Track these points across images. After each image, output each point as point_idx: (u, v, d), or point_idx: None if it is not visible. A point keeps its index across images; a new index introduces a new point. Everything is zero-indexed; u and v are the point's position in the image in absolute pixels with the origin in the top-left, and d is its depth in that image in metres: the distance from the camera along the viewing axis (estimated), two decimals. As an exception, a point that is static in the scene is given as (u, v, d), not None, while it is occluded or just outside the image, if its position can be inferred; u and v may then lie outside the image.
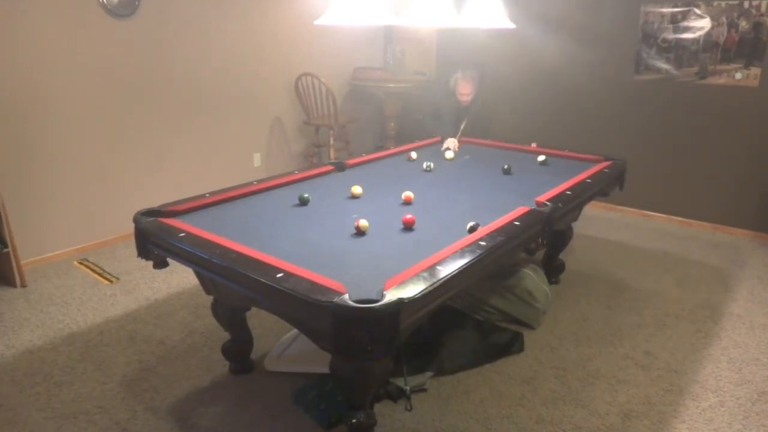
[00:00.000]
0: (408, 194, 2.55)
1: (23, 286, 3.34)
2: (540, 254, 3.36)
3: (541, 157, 3.32)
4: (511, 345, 2.70)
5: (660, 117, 4.43)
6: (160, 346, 2.75)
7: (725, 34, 4.05)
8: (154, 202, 2.39)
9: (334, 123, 4.82)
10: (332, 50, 5.27)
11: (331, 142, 4.91)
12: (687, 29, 4.20)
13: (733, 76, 4.07)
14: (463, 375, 2.52)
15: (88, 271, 3.59)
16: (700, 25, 4.13)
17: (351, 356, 1.66)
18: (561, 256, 3.44)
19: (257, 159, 4.92)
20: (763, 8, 3.89)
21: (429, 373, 2.47)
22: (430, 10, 2.91)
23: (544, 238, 2.42)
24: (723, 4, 4.02)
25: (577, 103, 4.82)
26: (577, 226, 3.35)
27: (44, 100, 3.50)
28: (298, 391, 2.36)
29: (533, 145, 3.79)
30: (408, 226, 2.23)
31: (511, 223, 2.20)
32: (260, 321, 2.85)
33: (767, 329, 2.95)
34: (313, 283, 1.66)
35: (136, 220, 2.21)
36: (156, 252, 2.15)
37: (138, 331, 2.89)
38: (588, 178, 2.92)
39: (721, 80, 4.13)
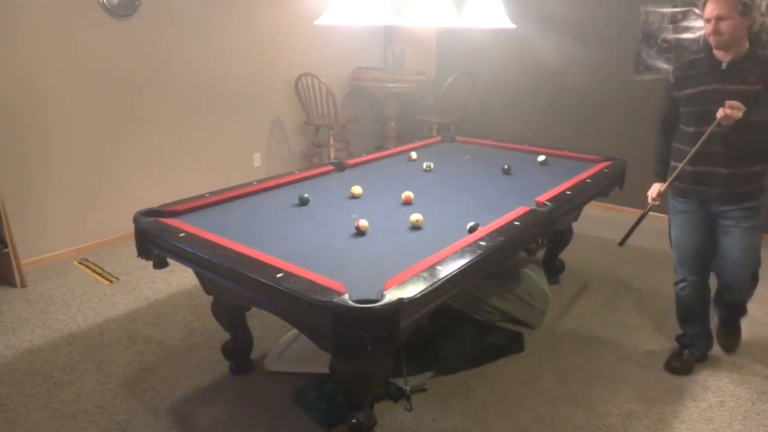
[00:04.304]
0: (408, 194, 2.55)
1: (23, 286, 3.34)
2: (540, 254, 3.36)
3: (541, 157, 3.32)
4: (511, 345, 2.71)
5: (660, 117, 4.43)
6: (160, 346, 2.75)
7: (725, 34, 4.05)
8: (154, 202, 2.39)
9: (334, 123, 4.82)
10: (332, 50, 5.27)
11: (331, 142, 4.91)
12: (687, 29, 4.20)
13: (733, 76, 4.06)
14: (463, 375, 2.52)
15: (88, 271, 3.59)
16: (700, 25, 4.13)
17: (351, 356, 1.66)
18: (561, 256, 3.44)
19: (257, 159, 4.92)
20: (763, 8, 3.88)
21: (429, 373, 2.47)
22: (430, 10, 2.92)
23: (544, 238, 2.42)
24: (723, 4, 4.01)
25: (577, 103, 4.82)
26: (577, 226, 3.35)
27: (44, 100, 3.50)
28: (298, 391, 2.36)
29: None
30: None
31: (511, 223, 2.20)
32: (260, 321, 2.85)
33: (767, 329, 2.95)
34: (313, 283, 1.66)
35: (136, 220, 2.21)
36: (156, 252, 2.15)
37: (138, 331, 2.89)
38: (588, 178, 2.92)
39: (721, 80, 4.13)
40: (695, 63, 2.38)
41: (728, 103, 2.11)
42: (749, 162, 2.28)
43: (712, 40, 2.23)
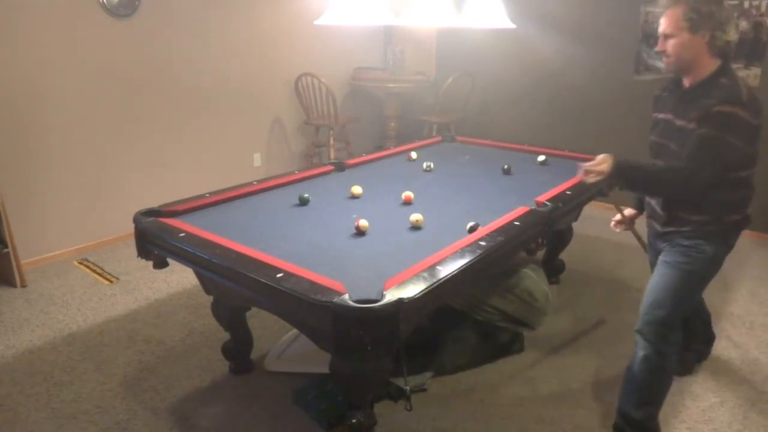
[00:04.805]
0: (408, 194, 2.55)
1: (23, 286, 3.34)
2: (540, 254, 3.36)
3: (541, 157, 3.32)
4: (511, 345, 2.71)
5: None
6: (160, 346, 2.75)
7: (725, 34, 4.05)
8: (154, 202, 2.39)
9: (334, 123, 4.83)
10: (332, 50, 5.27)
11: (331, 142, 4.91)
12: (687, 29, 4.20)
13: (733, 76, 4.06)
14: (463, 375, 2.52)
15: (88, 271, 3.59)
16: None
17: (351, 356, 1.66)
18: (561, 256, 3.44)
19: (257, 159, 4.92)
20: (763, 8, 3.88)
21: (429, 373, 2.47)
22: (430, 10, 2.92)
23: (544, 238, 2.42)
24: (723, 4, 4.02)
25: (577, 103, 4.82)
26: (577, 226, 3.35)
27: (44, 100, 3.50)
28: (298, 391, 2.36)
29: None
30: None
31: (511, 223, 2.20)
32: (260, 321, 2.85)
33: (767, 329, 2.95)
34: (313, 283, 1.66)
35: (136, 220, 2.21)
36: (156, 252, 2.15)
37: (138, 331, 2.89)
38: (588, 178, 2.91)
39: (721, 80, 4.13)
40: (668, 84, 2.02)
41: (584, 166, 1.84)
42: (683, 209, 1.94)
43: (664, 59, 1.88)
